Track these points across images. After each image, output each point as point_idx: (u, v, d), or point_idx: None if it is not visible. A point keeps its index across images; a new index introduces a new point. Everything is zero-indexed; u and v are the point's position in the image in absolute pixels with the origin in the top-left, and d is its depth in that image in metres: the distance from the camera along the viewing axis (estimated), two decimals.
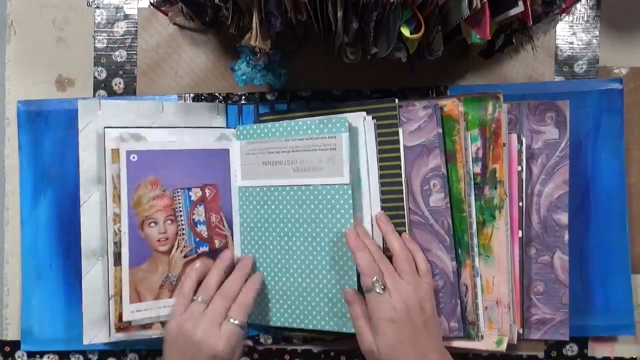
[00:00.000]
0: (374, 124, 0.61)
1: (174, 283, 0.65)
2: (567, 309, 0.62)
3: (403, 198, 0.60)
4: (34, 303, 0.68)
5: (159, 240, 0.65)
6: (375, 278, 0.56)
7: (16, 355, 0.69)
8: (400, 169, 0.61)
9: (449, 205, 0.60)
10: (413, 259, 0.59)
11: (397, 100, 0.61)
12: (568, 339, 0.63)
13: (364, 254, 0.57)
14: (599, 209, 0.64)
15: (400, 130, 0.61)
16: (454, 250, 0.60)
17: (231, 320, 0.58)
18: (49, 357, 0.69)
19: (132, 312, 0.64)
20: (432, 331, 0.56)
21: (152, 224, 0.65)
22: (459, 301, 0.60)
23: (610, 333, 0.65)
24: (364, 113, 0.61)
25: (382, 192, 0.61)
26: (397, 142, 0.61)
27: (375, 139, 0.61)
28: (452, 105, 0.60)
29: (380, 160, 0.61)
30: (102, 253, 0.65)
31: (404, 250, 0.58)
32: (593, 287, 0.64)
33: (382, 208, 0.61)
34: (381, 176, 0.61)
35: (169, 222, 0.65)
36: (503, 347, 0.60)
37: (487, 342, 0.61)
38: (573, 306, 0.62)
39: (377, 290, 0.55)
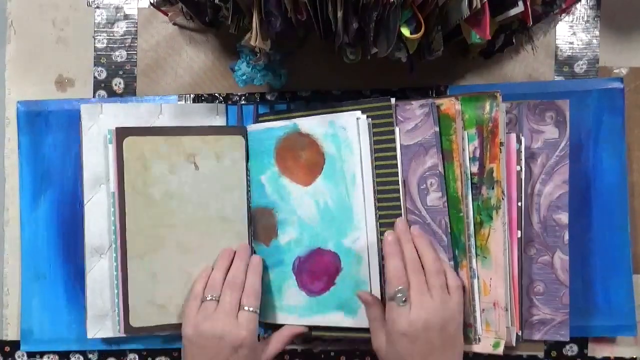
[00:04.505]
0: (369, 123, 0.61)
1: None
2: (567, 309, 0.62)
3: (400, 197, 0.60)
4: (34, 303, 0.68)
5: None
6: (398, 288, 0.55)
7: (16, 355, 0.69)
8: (397, 168, 0.60)
9: (446, 204, 0.60)
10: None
11: (393, 99, 0.61)
12: (568, 340, 0.63)
13: (395, 261, 0.56)
14: (599, 209, 0.64)
15: (397, 129, 0.61)
16: (452, 250, 0.60)
17: (245, 308, 0.58)
18: (49, 357, 0.69)
19: None
20: (449, 352, 0.55)
21: None
22: None
23: (611, 334, 0.65)
24: (359, 112, 0.61)
25: (379, 192, 0.61)
26: (394, 141, 0.61)
27: (371, 138, 0.61)
28: (449, 104, 0.60)
29: (376, 159, 0.61)
30: (106, 250, 0.65)
31: (436, 264, 0.57)
32: (594, 287, 0.64)
33: (379, 207, 0.61)
34: (378, 175, 0.61)
35: None
36: (500, 350, 0.59)
37: (484, 345, 0.60)
38: (573, 306, 0.62)
39: (397, 302, 0.55)
